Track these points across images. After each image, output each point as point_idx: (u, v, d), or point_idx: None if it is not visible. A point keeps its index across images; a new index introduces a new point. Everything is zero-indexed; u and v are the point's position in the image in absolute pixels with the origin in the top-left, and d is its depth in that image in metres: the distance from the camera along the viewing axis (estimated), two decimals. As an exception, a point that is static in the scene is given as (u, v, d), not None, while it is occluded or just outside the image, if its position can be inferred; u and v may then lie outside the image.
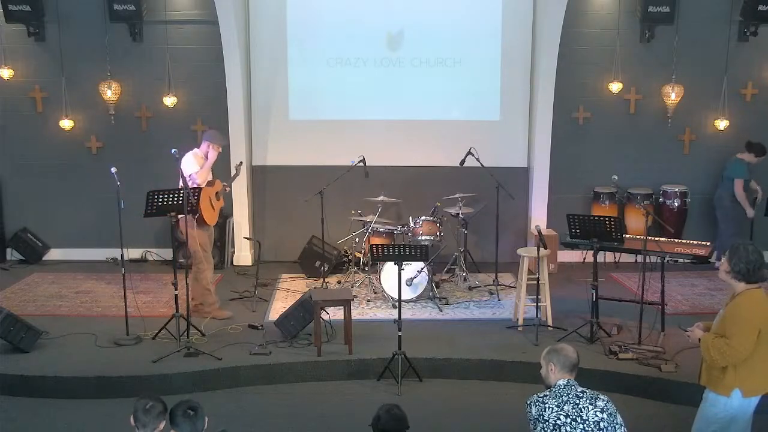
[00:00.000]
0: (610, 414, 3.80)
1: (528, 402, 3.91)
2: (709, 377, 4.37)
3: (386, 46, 9.38)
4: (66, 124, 9.34)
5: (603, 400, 3.83)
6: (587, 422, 3.73)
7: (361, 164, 8.18)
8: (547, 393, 3.89)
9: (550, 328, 7.10)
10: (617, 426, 3.79)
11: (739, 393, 4.24)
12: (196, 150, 7.40)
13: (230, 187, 7.84)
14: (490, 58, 9.36)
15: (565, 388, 3.86)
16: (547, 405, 3.81)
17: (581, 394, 3.84)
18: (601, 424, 3.74)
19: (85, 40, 9.18)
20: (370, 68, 9.40)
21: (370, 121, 9.39)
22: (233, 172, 7.99)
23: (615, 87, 9.26)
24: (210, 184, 7.39)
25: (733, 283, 4.30)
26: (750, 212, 8.90)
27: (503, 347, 6.73)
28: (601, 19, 9.22)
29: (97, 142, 9.46)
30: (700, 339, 4.36)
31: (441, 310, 7.74)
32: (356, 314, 7.28)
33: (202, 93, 9.36)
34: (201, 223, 7.23)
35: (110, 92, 9.18)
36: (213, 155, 7.38)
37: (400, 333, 6.24)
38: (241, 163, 8.10)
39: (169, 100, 9.27)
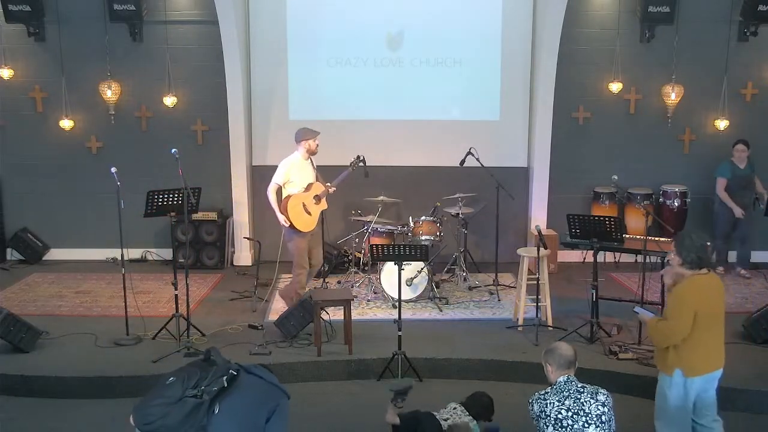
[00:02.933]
0: (611, 407, 3.92)
1: (530, 400, 4.02)
2: (657, 358, 4.66)
3: (386, 46, 9.38)
4: (66, 124, 9.34)
5: (603, 394, 3.95)
6: (590, 415, 3.84)
7: (362, 164, 8.19)
8: (548, 390, 4.00)
9: (550, 328, 7.10)
10: (612, 417, 3.92)
11: (680, 372, 4.48)
12: (292, 156, 7.42)
13: (335, 187, 7.70)
14: (490, 59, 9.37)
15: (565, 384, 3.97)
16: (548, 401, 3.92)
17: (582, 390, 3.95)
18: (603, 417, 3.86)
19: (85, 40, 9.18)
20: (370, 68, 9.40)
21: (370, 121, 9.39)
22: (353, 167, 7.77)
23: (615, 87, 9.26)
24: (308, 188, 7.39)
25: (683, 272, 4.50)
26: (737, 212, 8.68)
27: (503, 347, 6.73)
28: (601, 19, 9.22)
29: (97, 142, 9.46)
30: (647, 322, 4.67)
31: (441, 310, 7.74)
32: (356, 314, 7.28)
33: (202, 93, 9.37)
34: (295, 230, 7.27)
35: (110, 92, 9.19)
36: (313, 147, 7.40)
37: (400, 333, 6.24)
38: (358, 157, 7.82)
39: (169, 100, 9.28)
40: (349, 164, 7.77)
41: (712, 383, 4.61)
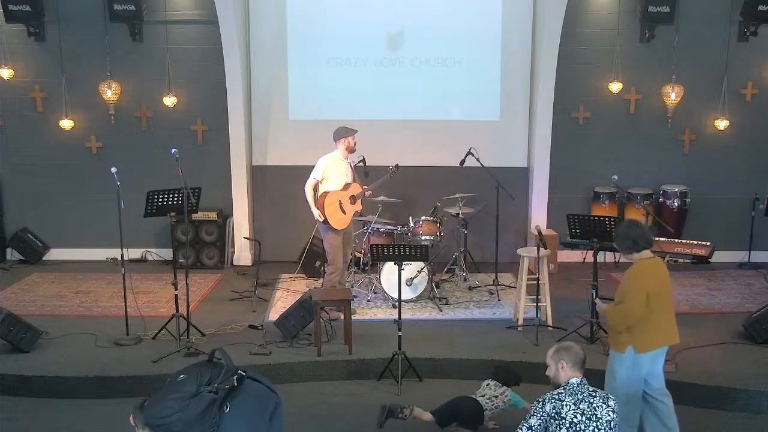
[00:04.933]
0: (618, 414, 3.88)
1: (541, 399, 3.90)
2: (611, 338, 5.12)
3: (386, 46, 9.38)
4: (66, 124, 9.34)
5: (613, 400, 3.91)
6: (601, 421, 3.79)
7: (361, 164, 8.19)
8: (562, 391, 3.90)
9: (550, 328, 7.10)
10: (618, 423, 3.87)
11: (632, 349, 4.87)
12: (331, 154, 7.53)
13: (372, 190, 7.82)
14: (490, 58, 9.37)
15: (579, 386, 3.90)
16: (564, 402, 3.82)
17: (594, 393, 3.89)
18: (612, 424, 3.81)
19: (85, 40, 9.18)
20: (370, 68, 9.40)
21: (370, 121, 9.36)
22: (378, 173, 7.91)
23: (615, 87, 9.25)
24: (346, 187, 7.49)
25: (630, 258, 4.98)
26: None
27: (503, 347, 6.73)
28: (601, 19, 9.22)
29: (97, 142, 9.46)
30: (605, 310, 5.06)
31: (441, 310, 7.74)
32: (356, 314, 7.29)
33: (202, 93, 9.37)
34: (329, 226, 7.36)
35: (110, 92, 9.19)
36: (351, 144, 7.52)
37: (400, 333, 6.24)
38: (396, 165, 7.97)
39: (169, 100, 9.28)
40: (388, 170, 7.92)
41: (660, 357, 5.01)
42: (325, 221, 7.35)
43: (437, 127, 9.47)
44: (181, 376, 3.36)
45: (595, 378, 5.84)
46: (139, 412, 3.60)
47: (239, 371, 3.38)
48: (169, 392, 3.30)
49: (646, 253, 4.93)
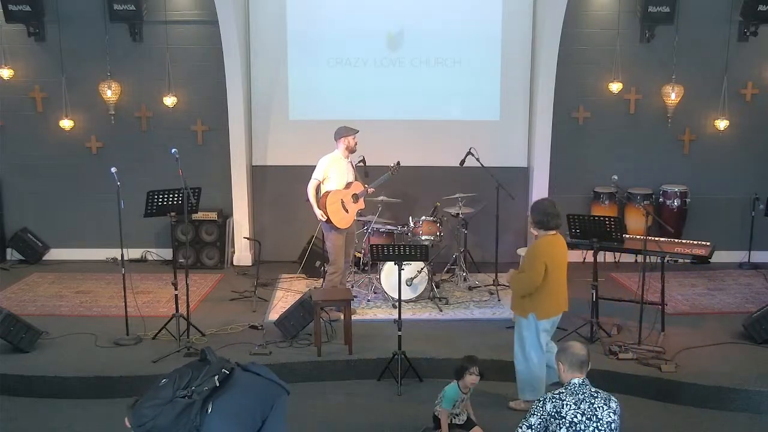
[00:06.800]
0: (620, 416, 3.86)
1: (542, 398, 3.91)
2: (515, 305, 5.74)
3: (386, 46, 9.39)
4: (66, 124, 9.34)
5: (615, 402, 3.89)
6: (601, 422, 3.78)
7: (361, 164, 8.19)
8: (563, 390, 3.90)
9: (550, 328, 7.10)
10: (619, 426, 3.85)
11: (534, 316, 5.53)
12: (332, 153, 7.52)
13: (374, 189, 7.81)
14: (490, 58, 9.37)
15: (580, 386, 3.89)
16: (564, 402, 3.82)
17: (596, 394, 3.88)
18: (613, 426, 3.80)
19: (85, 40, 9.18)
20: (370, 68, 9.41)
21: (370, 121, 9.35)
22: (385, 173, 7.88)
23: (615, 87, 9.26)
24: (348, 186, 7.49)
25: (537, 233, 5.56)
26: None
27: (503, 347, 6.71)
28: (601, 19, 9.22)
29: (97, 142, 9.46)
30: (509, 275, 5.68)
31: (441, 310, 7.74)
32: (356, 314, 7.29)
33: (202, 93, 9.37)
34: (333, 226, 7.36)
35: (110, 92, 9.19)
36: (351, 144, 7.50)
37: (400, 333, 6.24)
38: (398, 163, 7.94)
39: (169, 100, 9.28)
40: (389, 168, 7.90)
41: (555, 323, 5.71)
42: (328, 221, 7.35)
43: (437, 127, 9.47)
44: (163, 380, 3.39)
45: (594, 378, 5.84)
46: (130, 411, 3.61)
47: (224, 370, 3.37)
48: (147, 399, 3.34)
49: (551, 231, 5.49)
